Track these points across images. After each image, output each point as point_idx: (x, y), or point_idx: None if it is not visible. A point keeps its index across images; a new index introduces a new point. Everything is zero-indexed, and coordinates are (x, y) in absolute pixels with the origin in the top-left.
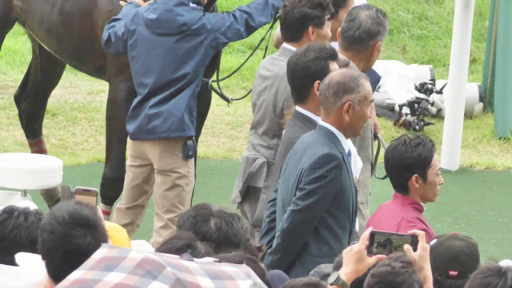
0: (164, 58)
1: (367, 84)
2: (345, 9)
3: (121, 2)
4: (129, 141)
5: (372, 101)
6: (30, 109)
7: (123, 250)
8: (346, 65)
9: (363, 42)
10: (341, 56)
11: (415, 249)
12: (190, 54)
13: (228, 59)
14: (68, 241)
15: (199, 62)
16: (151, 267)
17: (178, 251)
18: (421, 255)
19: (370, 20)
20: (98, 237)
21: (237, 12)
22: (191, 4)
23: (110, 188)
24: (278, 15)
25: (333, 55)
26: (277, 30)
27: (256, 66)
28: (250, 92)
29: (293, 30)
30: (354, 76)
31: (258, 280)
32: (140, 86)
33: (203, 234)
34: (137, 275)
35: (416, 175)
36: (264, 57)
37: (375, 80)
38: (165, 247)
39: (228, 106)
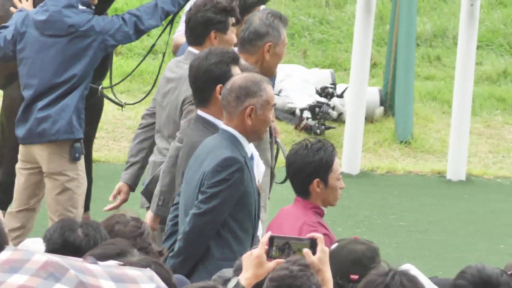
0: (52, 59)
1: (269, 88)
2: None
3: (12, 9)
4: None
5: (274, 105)
6: None
7: (27, 252)
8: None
9: (252, 43)
10: (246, 63)
11: (314, 253)
12: (78, 56)
13: (129, 63)
14: None
15: (88, 64)
16: (54, 270)
17: (111, 258)
18: (320, 258)
19: (258, 21)
20: (0, 240)
21: (126, 15)
22: (80, 7)
23: (3, 193)
24: (171, 17)
25: (235, 59)
26: (175, 35)
27: (157, 70)
28: (146, 96)
29: (196, 34)
30: (256, 80)
31: (162, 284)
32: (27, 88)
33: (72, 242)
34: (40, 277)
35: (317, 179)
36: (162, 61)
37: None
38: (97, 252)
39: (122, 110)
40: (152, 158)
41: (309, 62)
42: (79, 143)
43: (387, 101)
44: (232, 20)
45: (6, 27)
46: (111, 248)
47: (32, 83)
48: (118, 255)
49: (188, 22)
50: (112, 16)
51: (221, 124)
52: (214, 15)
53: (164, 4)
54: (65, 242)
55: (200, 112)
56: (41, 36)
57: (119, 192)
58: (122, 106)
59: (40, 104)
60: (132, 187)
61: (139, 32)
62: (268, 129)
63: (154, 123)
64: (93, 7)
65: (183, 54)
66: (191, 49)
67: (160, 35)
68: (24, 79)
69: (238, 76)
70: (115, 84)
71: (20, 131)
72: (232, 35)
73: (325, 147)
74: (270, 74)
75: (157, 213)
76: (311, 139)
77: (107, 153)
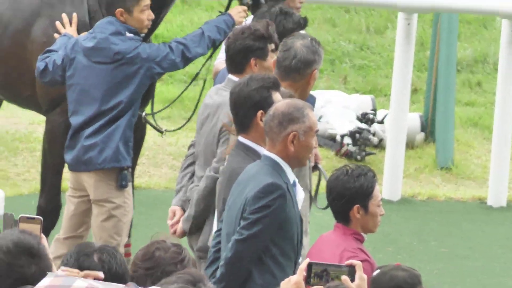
0: (100, 86)
1: (312, 115)
2: None
3: (55, 35)
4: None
5: (317, 131)
6: None
7: (68, 279)
8: (289, 97)
9: (300, 71)
10: (282, 88)
11: (352, 280)
12: (125, 83)
13: (170, 90)
14: (13, 270)
15: (134, 91)
16: None
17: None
18: (359, 285)
19: (305, 49)
20: (43, 266)
21: (173, 43)
22: (127, 34)
23: (45, 219)
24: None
25: (276, 85)
26: (215, 62)
27: (198, 97)
28: (186, 122)
29: (236, 62)
30: (299, 106)
31: None
32: (75, 114)
33: (87, 268)
34: None
35: (357, 205)
36: (203, 88)
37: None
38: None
39: (162, 137)
40: (191, 186)
41: (350, 88)
42: (127, 171)
43: (428, 127)
44: (271, 46)
45: (52, 51)
46: (184, 277)
47: (80, 110)
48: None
49: (227, 50)
50: (159, 43)
51: (262, 150)
52: (253, 42)
53: (210, 32)
54: (80, 268)
55: (241, 138)
56: (89, 62)
57: (173, 214)
58: (162, 132)
59: (88, 131)
60: (183, 209)
61: (186, 60)
62: None
63: None
64: (141, 35)
65: (222, 81)
66: (231, 76)
67: (205, 63)
68: (72, 106)
69: (281, 102)
70: (158, 111)
71: (68, 158)
72: (271, 61)
73: (365, 173)
74: (305, 97)
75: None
76: (351, 165)
77: (148, 179)
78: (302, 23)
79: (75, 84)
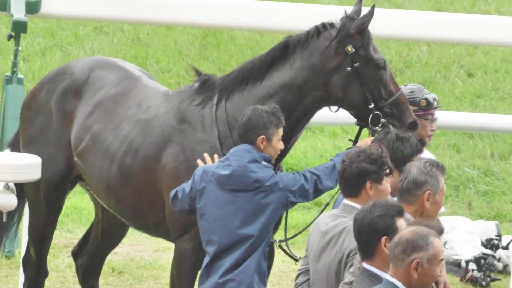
0: (234, 215)
1: (437, 242)
2: None
3: (198, 161)
4: None
5: (442, 259)
6: (87, 265)
7: None
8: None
9: (411, 193)
10: (408, 215)
11: None
12: (260, 211)
13: (294, 216)
14: None
15: (268, 220)
16: None
17: None
18: None
19: (416, 170)
20: None
21: (308, 173)
22: (263, 162)
23: None
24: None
25: (400, 212)
26: None
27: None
28: None
29: (351, 185)
30: (423, 234)
31: None
32: (209, 244)
33: None
34: None
35: None
36: (322, 212)
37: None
38: None
39: (296, 264)
40: None
41: (474, 213)
42: None
43: None
44: (386, 170)
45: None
46: None
47: (214, 239)
48: None
49: (342, 173)
50: (294, 173)
51: (386, 276)
52: (369, 166)
53: None
54: None
55: (365, 265)
56: (223, 191)
57: None
58: (297, 260)
59: (222, 264)
60: None
61: (317, 191)
62: None
63: (308, 279)
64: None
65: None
66: (347, 201)
67: (338, 191)
68: (205, 235)
69: (406, 229)
70: (291, 238)
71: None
72: (387, 185)
73: None
74: None
75: None
76: None
77: None
78: (420, 147)
79: (207, 213)
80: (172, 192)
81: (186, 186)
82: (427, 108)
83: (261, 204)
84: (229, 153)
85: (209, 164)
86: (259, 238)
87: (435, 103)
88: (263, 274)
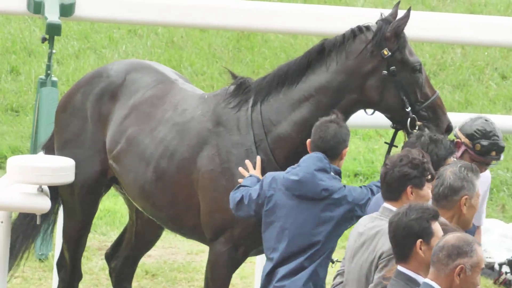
0: (302, 224)
1: (479, 251)
2: None
3: (240, 169)
4: None
5: (482, 269)
6: (120, 268)
7: None
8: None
9: (448, 198)
10: (443, 220)
11: None
12: (326, 222)
13: None
14: None
15: (334, 232)
16: None
17: None
18: None
19: (452, 176)
20: None
21: (374, 187)
22: (332, 173)
23: None
24: None
25: (435, 216)
26: None
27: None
28: None
29: (392, 189)
30: (469, 240)
31: None
32: (272, 251)
33: None
34: None
35: None
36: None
37: (471, 231)
38: None
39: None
40: None
41: (508, 216)
42: None
43: None
44: (428, 176)
45: (244, 186)
46: None
47: (279, 247)
48: None
49: (384, 177)
50: (361, 186)
51: (421, 279)
52: (411, 170)
53: None
54: None
55: (400, 268)
56: (291, 199)
57: None
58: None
59: (282, 271)
60: None
61: None
62: None
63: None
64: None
65: (375, 209)
66: (386, 205)
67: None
68: (271, 242)
69: (451, 234)
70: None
71: None
72: (428, 190)
73: None
74: (466, 226)
75: None
76: None
77: None
78: (453, 149)
79: (275, 221)
80: (237, 197)
81: (253, 192)
82: (480, 154)
83: (327, 216)
84: (300, 161)
85: (278, 172)
86: (321, 249)
87: (493, 153)
88: (320, 285)
